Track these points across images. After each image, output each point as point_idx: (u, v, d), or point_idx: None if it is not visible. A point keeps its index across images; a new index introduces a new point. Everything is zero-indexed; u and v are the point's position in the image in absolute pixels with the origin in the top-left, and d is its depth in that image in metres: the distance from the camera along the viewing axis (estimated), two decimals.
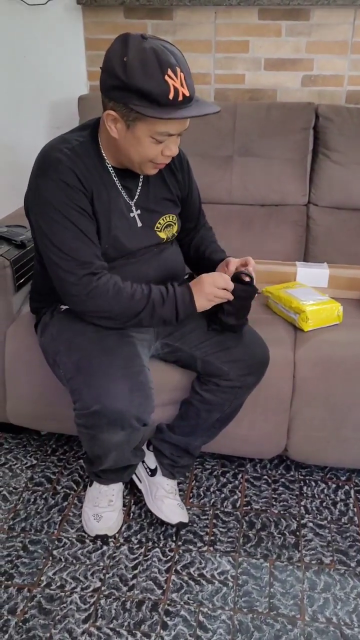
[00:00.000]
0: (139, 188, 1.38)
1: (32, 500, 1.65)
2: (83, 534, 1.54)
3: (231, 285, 1.32)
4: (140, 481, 1.63)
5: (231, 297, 1.33)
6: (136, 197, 1.38)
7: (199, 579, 1.42)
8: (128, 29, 2.20)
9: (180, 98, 1.15)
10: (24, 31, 2.26)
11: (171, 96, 1.13)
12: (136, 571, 1.44)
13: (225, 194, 2.07)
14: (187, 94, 1.16)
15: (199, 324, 1.48)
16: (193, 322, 1.48)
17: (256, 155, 2.03)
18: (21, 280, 1.68)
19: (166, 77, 1.12)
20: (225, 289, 1.32)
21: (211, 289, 1.31)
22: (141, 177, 1.38)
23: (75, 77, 2.31)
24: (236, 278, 1.36)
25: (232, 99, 2.25)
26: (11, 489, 1.69)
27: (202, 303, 1.32)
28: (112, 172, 1.33)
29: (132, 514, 1.61)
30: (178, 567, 1.45)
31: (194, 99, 1.19)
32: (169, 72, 1.12)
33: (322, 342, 1.58)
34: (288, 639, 1.28)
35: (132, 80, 1.13)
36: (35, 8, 2.22)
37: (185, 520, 1.55)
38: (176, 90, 1.14)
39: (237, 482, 1.73)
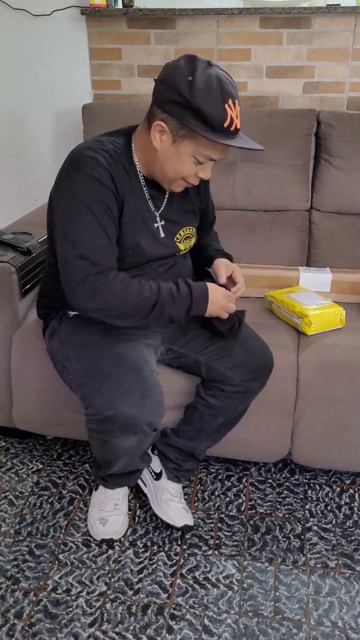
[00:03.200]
0: (165, 199, 1.41)
1: (38, 504, 1.66)
2: (89, 538, 1.55)
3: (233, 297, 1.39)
4: (145, 485, 1.63)
5: (232, 311, 1.39)
6: (162, 208, 1.41)
7: (204, 582, 1.43)
8: (131, 39, 2.25)
9: (233, 128, 1.21)
10: (29, 41, 2.30)
11: (226, 124, 1.19)
12: (142, 575, 1.45)
13: (229, 200, 2.09)
14: (239, 127, 1.23)
15: (203, 331, 1.49)
16: (197, 328, 1.49)
17: (259, 161, 2.05)
18: (27, 287, 1.70)
19: (226, 106, 1.18)
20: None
21: (226, 302, 1.36)
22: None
23: (80, 86, 2.34)
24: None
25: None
26: (17, 493, 1.70)
27: (213, 311, 1.36)
28: (142, 180, 1.35)
29: (137, 518, 1.62)
30: (183, 571, 1.46)
31: (239, 132, 1.25)
32: (230, 102, 1.18)
33: (325, 346, 1.59)
34: None
35: (194, 100, 1.17)
36: (40, 18, 2.25)
37: (191, 523, 1.55)
38: (232, 120, 1.20)
39: (241, 485, 1.74)
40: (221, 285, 1.41)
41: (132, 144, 1.34)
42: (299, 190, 2.05)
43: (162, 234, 1.41)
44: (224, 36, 2.18)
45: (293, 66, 2.18)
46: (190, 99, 1.17)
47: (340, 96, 2.20)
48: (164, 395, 1.34)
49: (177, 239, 1.45)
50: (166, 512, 1.55)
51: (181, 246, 1.47)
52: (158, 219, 1.40)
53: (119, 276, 1.28)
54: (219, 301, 1.35)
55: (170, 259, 1.46)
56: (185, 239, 1.48)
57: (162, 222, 1.41)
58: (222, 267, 1.46)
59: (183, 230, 1.46)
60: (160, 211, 1.40)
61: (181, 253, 1.48)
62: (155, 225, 1.40)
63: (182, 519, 1.55)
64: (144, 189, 1.36)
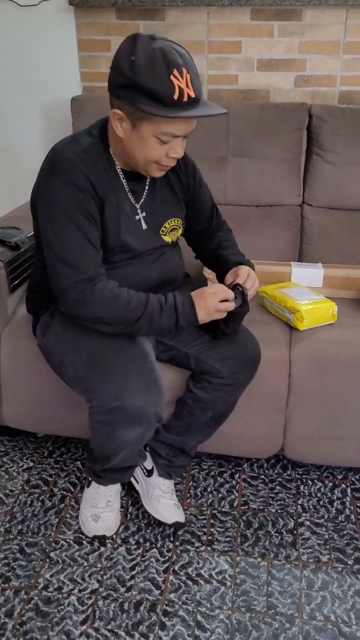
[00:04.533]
0: (145, 191, 1.39)
1: (29, 502, 1.65)
2: (80, 535, 1.54)
3: (231, 296, 1.32)
4: (137, 482, 1.62)
5: (231, 308, 1.33)
6: (142, 199, 1.39)
7: (197, 579, 1.42)
8: (120, 30, 2.22)
9: (185, 99, 1.15)
10: (15, 32, 2.26)
11: (176, 96, 1.14)
12: (134, 572, 1.44)
13: (220, 195, 2.07)
14: (193, 95, 1.16)
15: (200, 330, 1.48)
16: None
17: (250, 155, 2.04)
18: (16, 282, 1.68)
19: (172, 77, 1.13)
20: (226, 300, 1.32)
21: (213, 302, 1.31)
22: (147, 180, 1.38)
23: (68, 78, 2.31)
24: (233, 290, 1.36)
25: (225, 100, 2.25)
26: (7, 491, 1.69)
27: (203, 316, 1.32)
28: (120, 174, 1.33)
29: (129, 515, 1.61)
30: (176, 568, 1.45)
31: (200, 101, 1.19)
32: (175, 72, 1.13)
33: (318, 341, 1.59)
34: (286, 637, 1.28)
35: (138, 79, 1.13)
36: (27, 9, 2.21)
37: (182, 520, 1.55)
38: (181, 91, 1.14)
39: (234, 482, 1.73)
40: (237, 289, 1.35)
41: (109, 138, 1.32)
42: (290, 185, 2.04)
43: (145, 226, 1.39)
44: (214, 28, 2.16)
45: (284, 59, 2.16)
46: (134, 79, 1.14)
47: (331, 90, 2.18)
48: (164, 386, 1.35)
49: (163, 231, 1.43)
50: (157, 509, 1.55)
51: (167, 239, 1.45)
52: (139, 210, 1.38)
53: (107, 286, 1.27)
54: (205, 304, 1.31)
55: (159, 249, 1.44)
56: (172, 231, 1.46)
57: (144, 214, 1.39)
58: (230, 275, 1.42)
59: (168, 223, 1.44)
60: (141, 203, 1.38)
61: (168, 244, 1.46)
62: (137, 217, 1.38)
63: (173, 515, 1.54)
64: (124, 182, 1.34)
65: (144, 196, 1.39)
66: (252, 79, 2.22)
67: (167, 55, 1.13)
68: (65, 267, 1.26)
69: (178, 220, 1.47)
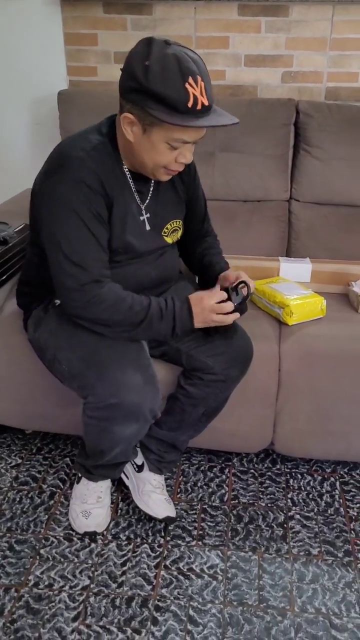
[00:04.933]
0: (150, 192, 1.38)
1: (18, 499, 1.63)
2: (70, 532, 1.53)
3: (229, 309, 1.32)
4: (127, 478, 1.62)
5: (228, 322, 1.33)
6: (147, 200, 1.38)
7: (188, 573, 1.42)
8: (108, 24, 2.21)
9: (199, 107, 1.14)
10: (0, 25, 2.23)
11: (190, 104, 1.13)
12: (125, 568, 1.43)
13: (208, 190, 2.02)
14: (207, 104, 1.16)
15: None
16: None
17: (238, 151, 2.04)
18: (4, 277, 1.66)
19: (187, 85, 1.12)
20: (222, 313, 1.32)
21: (210, 316, 1.31)
22: (152, 181, 1.37)
23: (55, 72, 2.28)
24: (228, 291, 1.35)
25: (212, 95, 2.24)
26: None
27: (199, 325, 1.33)
28: (128, 175, 1.32)
29: (120, 511, 1.60)
30: (167, 563, 1.45)
31: (212, 107, 1.19)
32: (190, 80, 1.12)
33: (307, 335, 1.59)
34: (278, 630, 1.29)
35: (152, 85, 1.12)
36: (12, 2, 2.19)
37: (173, 514, 1.55)
38: (195, 99, 1.13)
39: (224, 476, 1.74)
40: (234, 289, 1.35)
41: (117, 138, 1.30)
42: (278, 181, 2.05)
43: (148, 227, 1.39)
44: (201, 23, 2.16)
45: (271, 55, 2.17)
46: (147, 84, 1.12)
47: (318, 86, 2.19)
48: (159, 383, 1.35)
49: (165, 232, 1.43)
50: (148, 504, 1.55)
51: (168, 240, 1.45)
52: (144, 211, 1.38)
53: (113, 289, 1.26)
54: (203, 314, 1.30)
55: (160, 250, 1.44)
56: (173, 232, 1.46)
57: (148, 215, 1.38)
58: (225, 278, 1.42)
59: (170, 224, 1.44)
60: (145, 204, 1.38)
61: (169, 245, 1.47)
62: (142, 218, 1.38)
63: (164, 510, 1.54)
64: (131, 183, 1.33)
65: (149, 197, 1.38)
66: (239, 75, 2.22)
67: (182, 62, 1.12)
68: (73, 267, 1.24)
69: (179, 222, 1.47)
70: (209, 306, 1.31)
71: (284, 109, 2.04)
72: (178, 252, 1.56)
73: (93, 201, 1.24)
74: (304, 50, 2.15)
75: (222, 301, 1.32)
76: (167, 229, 1.43)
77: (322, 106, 2.03)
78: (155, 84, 1.12)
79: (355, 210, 2.03)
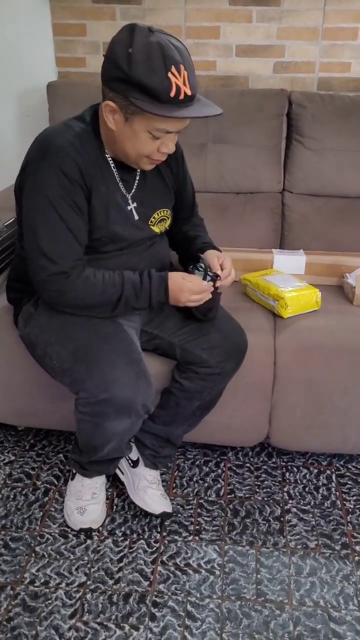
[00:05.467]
0: (137, 181, 1.36)
1: (12, 496, 1.61)
2: (66, 529, 1.51)
3: (206, 291, 1.34)
4: (122, 473, 1.61)
5: (203, 300, 1.35)
6: (133, 190, 1.36)
7: (185, 568, 1.41)
8: (96, 14, 2.17)
9: (182, 97, 1.13)
10: None
11: (172, 94, 1.11)
12: (122, 564, 1.42)
13: (200, 182, 2.05)
14: (190, 93, 1.14)
15: (177, 312, 1.47)
16: (171, 309, 1.46)
17: (230, 142, 2.02)
18: None
19: (169, 75, 1.10)
20: (200, 294, 1.34)
21: (187, 297, 1.32)
22: (138, 170, 1.36)
23: (44, 64, 2.25)
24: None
25: (203, 86, 2.22)
26: None
27: (173, 303, 1.34)
28: (111, 163, 1.31)
29: (115, 507, 1.59)
30: (164, 558, 1.44)
31: (195, 97, 1.17)
32: (173, 69, 1.10)
33: (302, 328, 1.58)
34: (277, 624, 1.28)
35: (134, 74, 1.10)
36: None
37: (169, 510, 1.53)
38: (178, 89, 1.12)
39: (219, 470, 1.73)
40: (216, 276, 1.36)
41: (100, 127, 1.28)
42: (271, 172, 2.03)
43: (136, 217, 1.38)
44: (192, 13, 2.13)
45: (263, 45, 2.15)
46: (130, 73, 1.11)
47: (310, 76, 2.17)
48: (152, 377, 1.34)
49: (152, 222, 1.42)
50: (144, 499, 1.53)
51: (155, 229, 1.43)
52: (130, 201, 1.36)
53: (81, 276, 1.26)
54: (179, 296, 1.32)
55: (149, 240, 1.43)
56: (160, 222, 1.44)
57: (135, 204, 1.37)
58: (213, 257, 1.42)
59: (157, 213, 1.42)
60: (132, 193, 1.36)
61: (157, 235, 1.45)
62: (129, 207, 1.36)
63: (160, 505, 1.53)
64: (114, 172, 1.32)
65: (135, 186, 1.36)
66: (230, 65, 2.20)
67: (166, 51, 1.10)
68: (42, 258, 1.25)
69: (167, 211, 1.45)
70: (187, 287, 1.32)
71: (276, 100, 2.02)
72: (167, 243, 1.54)
73: (70, 191, 1.22)
74: (296, 40, 2.13)
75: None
76: (154, 218, 1.41)
77: (314, 97, 2.01)
78: (138, 73, 1.10)
79: (349, 201, 2.02)
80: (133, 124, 1.18)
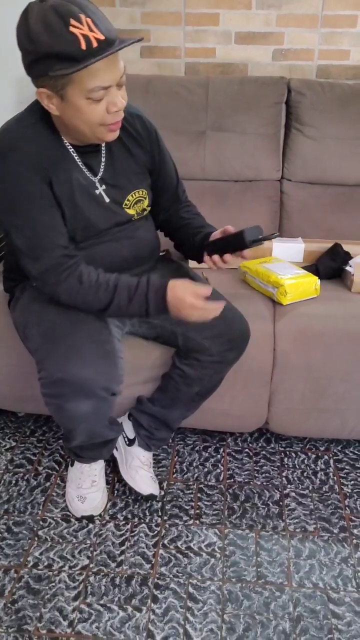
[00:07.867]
0: (103, 164, 1.32)
1: (14, 482, 1.63)
2: (68, 513, 1.53)
3: (210, 308, 1.24)
4: (116, 449, 1.62)
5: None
6: (100, 172, 1.32)
7: (186, 552, 1.43)
8: (95, 0, 2.15)
9: (95, 44, 1.06)
10: None
11: (84, 46, 1.05)
12: (124, 547, 1.44)
13: (199, 170, 2.05)
14: (102, 37, 1.07)
15: None
16: None
17: (229, 130, 2.02)
18: None
19: (71, 29, 1.05)
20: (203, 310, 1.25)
21: (189, 312, 1.24)
22: (104, 152, 1.32)
23: None
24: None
25: (203, 73, 2.22)
26: None
27: (173, 314, 1.27)
28: (71, 150, 1.27)
29: (116, 492, 1.61)
30: (165, 542, 1.46)
31: (117, 42, 1.10)
32: (72, 22, 1.05)
33: (301, 315, 1.60)
34: (277, 605, 1.31)
35: (41, 47, 1.07)
36: None
37: (156, 493, 1.56)
38: (87, 38, 1.05)
39: (219, 456, 1.75)
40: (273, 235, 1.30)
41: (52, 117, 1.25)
42: (270, 160, 2.04)
43: (107, 199, 1.34)
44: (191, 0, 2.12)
45: (262, 32, 2.14)
46: (37, 49, 1.07)
47: (309, 64, 2.17)
48: (123, 360, 1.33)
49: (126, 204, 1.37)
50: (134, 478, 1.56)
51: (131, 212, 1.39)
52: (98, 184, 1.32)
53: (73, 275, 1.24)
54: (179, 312, 1.24)
55: (129, 224, 1.40)
56: (136, 203, 1.39)
57: (104, 187, 1.33)
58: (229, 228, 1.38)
59: (132, 195, 1.38)
60: (99, 176, 1.32)
61: (135, 218, 1.41)
62: (97, 191, 1.32)
63: (148, 487, 1.55)
64: (75, 157, 1.28)
65: (101, 169, 1.32)
66: (230, 52, 2.19)
67: (60, 8, 1.05)
68: (24, 257, 1.25)
69: (143, 192, 1.40)
70: (189, 303, 1.22)
71: (275, 87, 2.02)
72: (154, 228, 1.51)
73: (37, 184, 1.21)
74: (295, 27, 2.13)
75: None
76: (128, 200, 1.37)
77: (314, 84, 2.01)
78: (43, 44, 1.07)
79: (347, 189, 2.03)
80: (70, 99, 1.13)
